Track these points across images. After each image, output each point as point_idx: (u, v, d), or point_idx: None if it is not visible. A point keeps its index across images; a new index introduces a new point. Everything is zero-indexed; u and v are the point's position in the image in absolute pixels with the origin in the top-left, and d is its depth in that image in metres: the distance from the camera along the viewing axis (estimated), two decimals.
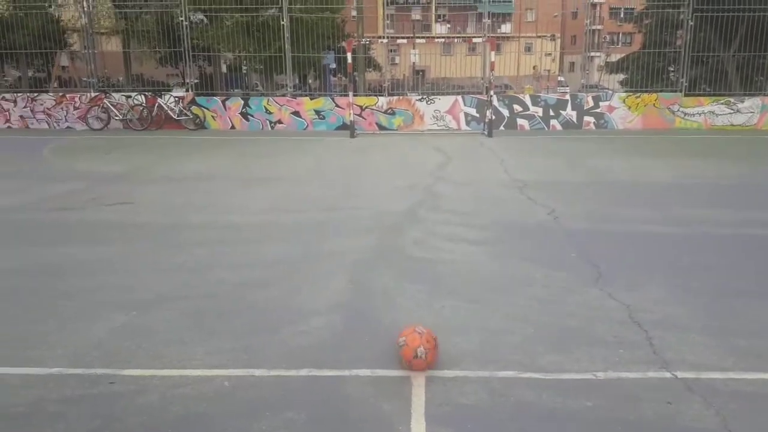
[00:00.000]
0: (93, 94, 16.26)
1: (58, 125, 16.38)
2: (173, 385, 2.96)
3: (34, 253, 5.30)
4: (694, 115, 16.13)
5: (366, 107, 16.02)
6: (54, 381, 3.01)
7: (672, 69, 18.49)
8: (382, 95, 16.50)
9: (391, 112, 16.06)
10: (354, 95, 15.34)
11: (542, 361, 3.19)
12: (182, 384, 2.97)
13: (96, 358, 3.25)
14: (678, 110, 16.12)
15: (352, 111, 14.81)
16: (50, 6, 19.22)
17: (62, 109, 16.36)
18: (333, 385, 2.98)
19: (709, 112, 16.12)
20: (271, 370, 3.10)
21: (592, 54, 18.29)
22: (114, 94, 16.44)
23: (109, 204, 7.17)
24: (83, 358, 3.24)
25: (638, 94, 16.47)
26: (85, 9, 16.55)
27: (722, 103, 16.11)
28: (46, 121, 16.41)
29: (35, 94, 16.63)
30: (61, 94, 16.85)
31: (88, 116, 16.00)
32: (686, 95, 16.32)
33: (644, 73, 17.95)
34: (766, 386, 2.95)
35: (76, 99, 16.36)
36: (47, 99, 16.46)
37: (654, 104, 16.12)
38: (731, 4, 15.57)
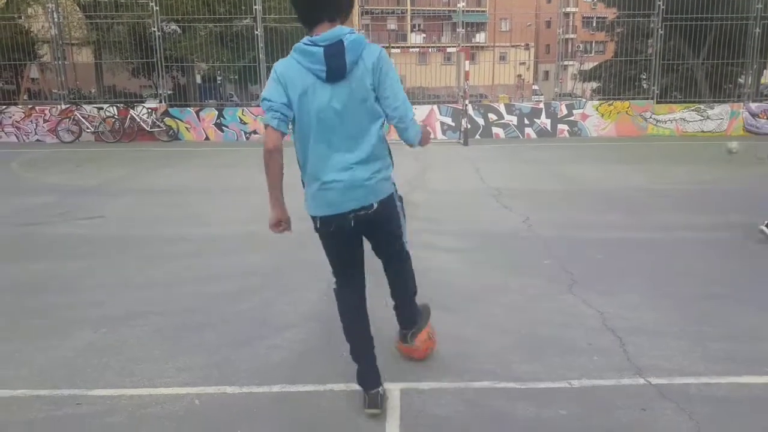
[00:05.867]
0: (63, 107, 16.01)
1: (28, 138, 16.10)
2: (142, 404, 2.88)
3: (1, 268, 5.16)
4: (666, 122, 16.44)
5: None
6: (18, 403, 2.91)
7: (644, 77, 18.86)
8: None
9: None
10: None
11: (517, 370, 3.18)
12: (152, 403, 2.89)
13: (63, 378, 3.15)
14: (650, 117, 16.42)
15: None
16: (19, 17, 18.94)
17: (31, 121, 16.09)
18: (307, 400, 2.93)
19: (680, 119, 16.45)
20: (243, 387, 3.04)
21: (566, 63, 18.55)
22: (85, 106, 16.20)
23: (80, 218, 7.03)
24: (50, 379, 3.15)
25: (611, 102, 16.74)
26: (56, 20, 16.31)
27: (693, 110, 16.45)
28: (15, 134, 16.12)
29: (3, 107, 16.32)
30: (30, 106, 16.56)
31: (59, 129, 15.75)
32: (658, 102, 16.64)
33: (617, 81, 18.28)
34: (739, 390, 2.97)
35: (46, 111, 16.09)
36: (16, 111, 16.17)
37: (627, 112, 16.39)
38: (699, 12, 15.94)
